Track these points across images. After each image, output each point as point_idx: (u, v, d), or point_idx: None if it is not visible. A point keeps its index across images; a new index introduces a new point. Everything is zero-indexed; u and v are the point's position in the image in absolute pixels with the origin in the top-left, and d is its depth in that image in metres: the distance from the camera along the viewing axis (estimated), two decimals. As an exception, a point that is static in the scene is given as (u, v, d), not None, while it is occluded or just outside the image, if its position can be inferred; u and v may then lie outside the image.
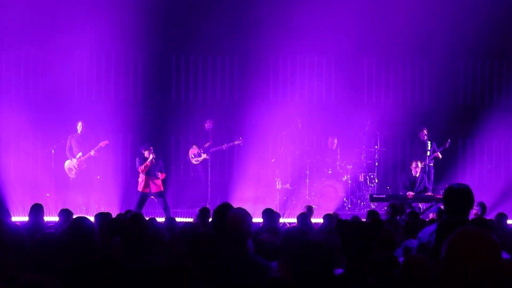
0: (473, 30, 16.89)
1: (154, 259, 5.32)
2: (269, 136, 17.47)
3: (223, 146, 16.35)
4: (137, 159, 14.82)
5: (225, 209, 5.71)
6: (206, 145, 16.36)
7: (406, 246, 6.88)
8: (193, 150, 16.58)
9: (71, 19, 16.60)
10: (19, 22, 16.67)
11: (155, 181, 14.63)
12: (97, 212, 10.10)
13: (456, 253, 2.85)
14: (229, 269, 5.11)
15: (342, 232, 4.47)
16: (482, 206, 11.63)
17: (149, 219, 9.52)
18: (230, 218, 5.30)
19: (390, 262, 5.12)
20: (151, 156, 14.55)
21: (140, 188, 14.73)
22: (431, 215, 12.62)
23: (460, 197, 5.25)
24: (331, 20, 16.93)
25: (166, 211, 14.51)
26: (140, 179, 14.76)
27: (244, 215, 5.31)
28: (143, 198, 14.64)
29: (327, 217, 10.15)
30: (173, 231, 8.60)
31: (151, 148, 14.67)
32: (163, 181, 14.92)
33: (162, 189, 14.81)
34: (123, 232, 5.37)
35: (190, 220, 12.82)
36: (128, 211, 9.57)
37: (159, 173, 14.61)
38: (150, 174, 14.60)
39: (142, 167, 14.64)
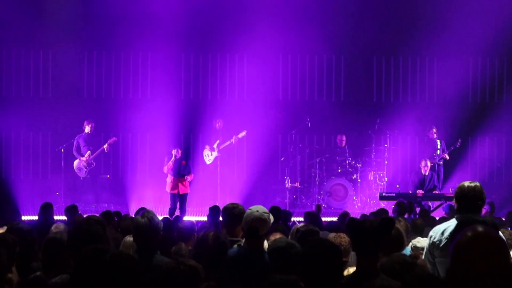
0: (483, 28, 16.83)
1: (164, 259, 5.32)
2: (279, 135, 17.48)
3: (232, 140, 16.28)
4: (165, 159, 14.84)
5: (233, 208, 5.70)
6: (215, 144, 16.34)
7: (414, 245, 6.84)
8: (205, 151, 16.60)
9: (82, 19, 16.61)
10: (28, 22, 16.68)
11: (184, 182, 14.66)
12: (103, 211, 10.12)
13: (464, 252, 2.83)
14: (242, 266, 5.09)
15: (353, 231, 4.40)
16: (491, 205, 11.64)
17: (174, 217, 9.53)
18: (247, 216, 5.28)
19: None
20: (173, 157, 14.57)
21: (168, 188, 14.76)
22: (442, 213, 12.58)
23: (471, 195, 5.22)
24: (340, 19, 16.92)
25: (181, 211, 14.55)
26: (168, 179, 14.79)
27: (261, 213, 5.29)
28: (174, 198, 14.67)
29: (341, 216, 10.16)
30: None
31: (177, 148, 14.73)
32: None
33: (188, 191, 14.84)
34: (136, 231, 5.34)
35: (204, 218, 12.77)
36: (140, 209, 9.55)
37: (188, 176, 14.65)
38: (178, 175, 14.62)
39: (165, 167, 14.68)
